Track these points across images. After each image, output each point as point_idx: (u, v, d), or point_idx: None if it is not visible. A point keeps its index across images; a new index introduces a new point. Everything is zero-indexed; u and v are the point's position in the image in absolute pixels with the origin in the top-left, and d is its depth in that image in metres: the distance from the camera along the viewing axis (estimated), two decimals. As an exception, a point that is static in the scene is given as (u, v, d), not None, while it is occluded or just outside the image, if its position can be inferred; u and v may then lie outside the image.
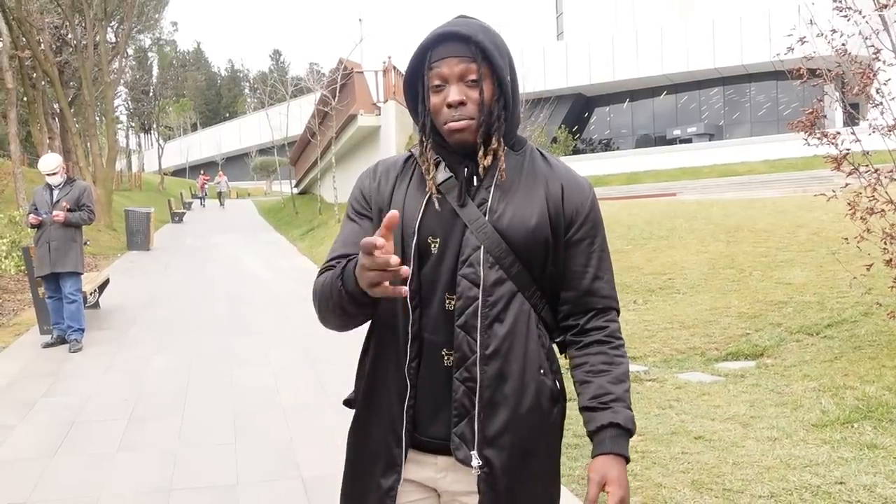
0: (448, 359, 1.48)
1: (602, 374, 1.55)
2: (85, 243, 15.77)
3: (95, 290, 9.26)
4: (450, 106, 1.47)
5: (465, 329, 1.47)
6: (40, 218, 7.15)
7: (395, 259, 1.21)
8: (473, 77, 1.46)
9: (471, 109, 1.47)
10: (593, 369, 1.56)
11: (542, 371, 1.53)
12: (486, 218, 1.49)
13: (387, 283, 1.24)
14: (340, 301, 1.43)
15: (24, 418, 5.21)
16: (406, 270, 1.22)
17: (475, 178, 1.53)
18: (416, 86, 1.54)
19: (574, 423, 4.73)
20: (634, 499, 3.56)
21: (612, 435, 1.50)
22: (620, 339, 1.60)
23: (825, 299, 7.34)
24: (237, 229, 23.47)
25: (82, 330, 7.40)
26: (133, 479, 4.08)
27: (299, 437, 4.69)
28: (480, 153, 1.50)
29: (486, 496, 1.48)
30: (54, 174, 7.19)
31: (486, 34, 1.49)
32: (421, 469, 1.54)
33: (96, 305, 9.46)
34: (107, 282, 10.12)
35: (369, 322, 1.60)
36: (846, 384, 5.02)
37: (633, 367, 6.33)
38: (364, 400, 1.58)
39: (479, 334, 1.46)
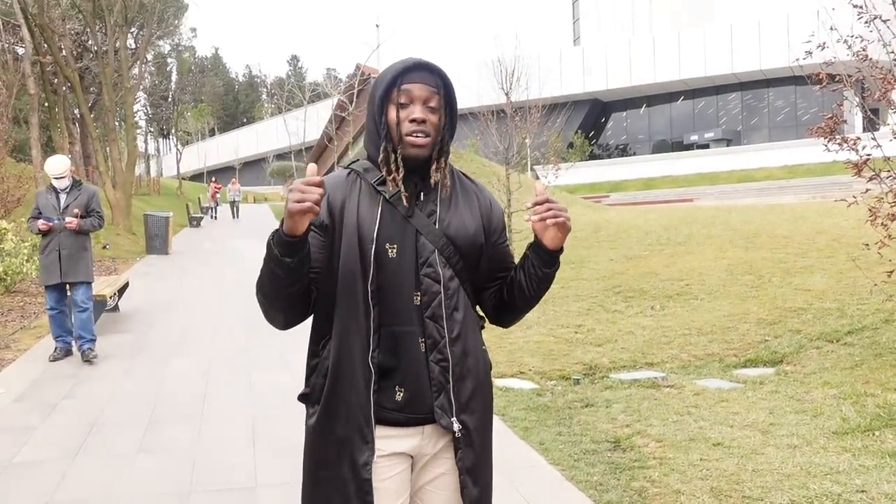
0: (423, 345, 1.77)
1: None
2: (104, 247, 15.83)
3: (115, 294, 9.35)
4: (413, 121, 1.74)
5: (434, 319, 1.77)
6: (51, 224, 6.69)
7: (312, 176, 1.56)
8: (434, 104, 1.76)
9: (428, 129, 1.75)
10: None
11: (483, 347, 1.90)
12: (437, 226, 1.79)
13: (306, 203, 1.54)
14: (270, 266, 1.66)
15: (45, 420, 5.27)
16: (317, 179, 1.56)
17: (422, 192, 1.80)
18: (383, 102, 1.77)
19: (590, 430, 4.73)
20: (653, 505, 3.55)
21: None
22: None
23: (845, 306, 7.28)
24: (255, 234, 23.60)
25: (94, 339, 7.08)
26: (153, 481, 4.11)
27: (317, 440, 4.70)
28: (434, 168, 1.78)
29: (465, 452, 1.80)
30: (62, 177, 6.76)
31: (445, 73, 1.80)
32: (409, 440, 1.79)
33: (116, 309, 9.55)
34: (126, 285, 10.21)
35: (315, 324, 1.85)
36: (867, 391, 4.97)
37: (650, 373, 6.30)
38: (330, 390, 1.77)
39: (444, 322, 1.77)
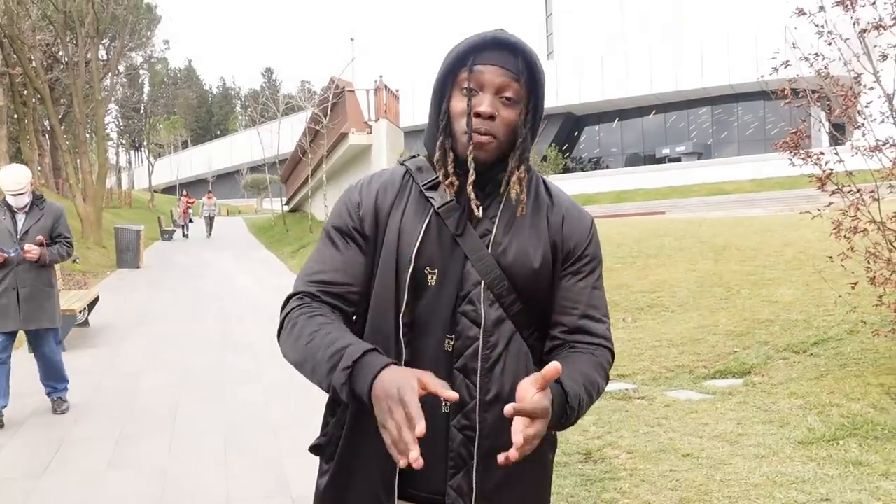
0: (445, 405, 1.36)
1: (577, 367, 1.36)
2: (74, 261, 15.51)
3: (85, 308, 9.24)
4: (478, 115, 1.33)
5: (465, 372, 1.36)
6: (7, 255, 5.23)
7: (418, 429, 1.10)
8: (510, 94, 1.34)
9: (497, 127, 1.34)
10: (568, 360, 1.38)
11: None
12: (490, 251, 1.37)
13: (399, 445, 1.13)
14: (329, 382, 1.25)
15: (12, 438, 5.19)
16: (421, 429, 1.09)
17: (480, 206, 1.38)
18: (445, 84, 1.38)
19: (562, 441, 4.77)
20: (623, 516, 3.59)
21: (555, 389, 1.27)
22: (606, 365, 1.43)
23: (811, 317, 7.41)
24: (227, 247, 23.45)
25: (67, 384, 5.86)
26: (123, 497, 4.07)
27: (290, 454, 4.70)
28: (505, 177, 1.37)
29: None
30: (21, 193, 5.28)
31: (533, 53, 1.38)
32: None
33: (86, 323, 9.44)
34: (97, 299, 10.10)
35: None
36: (832, 402, 5.07)
37: (622, 385, 6.36)
38: (347, 447, 1.42)
39: (478, 378, 1.35)
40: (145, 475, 4.40)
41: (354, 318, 1.45)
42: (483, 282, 1.36)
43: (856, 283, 6.02)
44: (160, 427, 5.35)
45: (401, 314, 1.36)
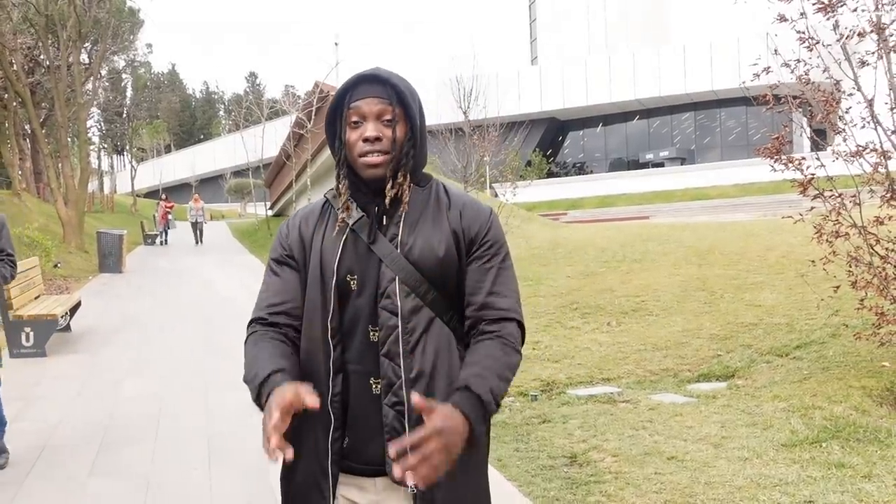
0: (376, 387, 1.60)
1: (486, 359, 1.61)
2: (56, 265, 15.32)
3: (67, 313, 9.15)
4: (366, 140, 1.60)
5: (389, 357, 1.59)
6: None
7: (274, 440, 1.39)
8: (388, 117, 1.61)
9: (385, 145, 1.60)
10: (478, 354, 1.62)
11: None
12: (399, 251, 1.61)
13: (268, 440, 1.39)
14: (252, 396, 1.58)
15: (-8, 444, 5.11)
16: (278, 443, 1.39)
17: (385, 215, 1.65)
18: (335, 124, 1.66)
19: (547, 446, 4.77)
20: (608, 519, 3.60)
21: (463, 395, 1.52)
22: (514, 341, 1.66)
23: (794, 321, 7.47)
24: (211, 252, 23.30)
25: (5, 424, 4.74)
26: (105, 504, 4.03)
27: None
28: (388, 186, 1.62)
29: None
30: None
31: (400, 80, 1.65)
32: (362, 493, 1.65)
33: (67, 328, 9.35)
34: (78, 304, 9.99)
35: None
36: (815, 404, 5.11)
37: (606, 389, 6.39)
38: (293, 434, 1.63)
39: (401, 360, 1.59)
40: (128, 482, 4.35)
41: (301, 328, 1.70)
42: (397, 277, 1.60)
43: (838, 287, 6.08)
44: (143, 434, 5.30)
45: (329, 319, 1.62)
